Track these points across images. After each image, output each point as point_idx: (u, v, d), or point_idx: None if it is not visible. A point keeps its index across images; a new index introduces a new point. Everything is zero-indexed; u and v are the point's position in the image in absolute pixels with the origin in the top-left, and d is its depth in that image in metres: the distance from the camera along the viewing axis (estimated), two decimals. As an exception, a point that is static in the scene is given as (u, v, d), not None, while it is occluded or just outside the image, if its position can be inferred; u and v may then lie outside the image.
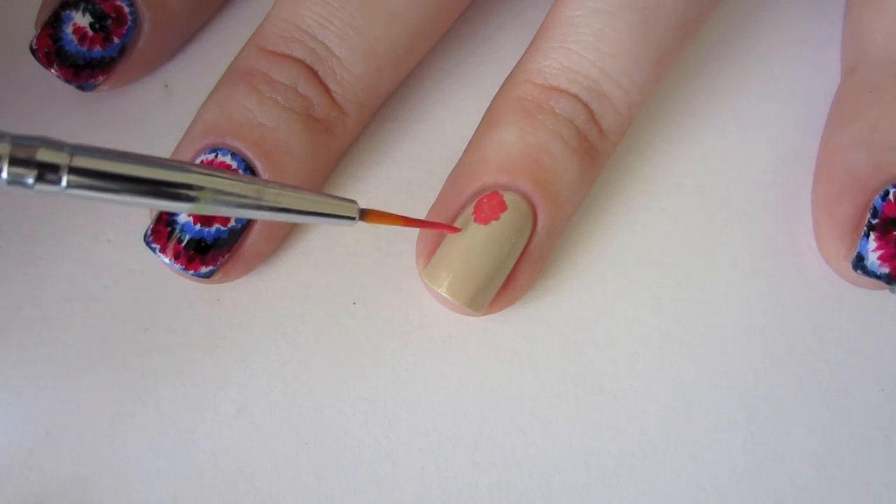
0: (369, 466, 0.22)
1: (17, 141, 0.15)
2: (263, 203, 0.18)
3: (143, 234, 0.22)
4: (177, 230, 0.22)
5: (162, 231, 0.22)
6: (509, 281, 0.22)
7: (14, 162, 0.15)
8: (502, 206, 0.22)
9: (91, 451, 0.22)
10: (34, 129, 0.26)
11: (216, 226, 0.22)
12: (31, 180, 0.16)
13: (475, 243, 0.21)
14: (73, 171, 0.16)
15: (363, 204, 0.25)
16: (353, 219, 0.19)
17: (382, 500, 0.22)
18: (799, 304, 0.24)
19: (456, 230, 0.22)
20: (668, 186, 0.25)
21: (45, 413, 0.23)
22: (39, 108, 0.26)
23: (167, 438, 0.23)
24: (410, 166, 0.25)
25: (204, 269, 0.22)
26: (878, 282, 0.22)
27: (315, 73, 0.23)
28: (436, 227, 0.22)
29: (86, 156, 0.16)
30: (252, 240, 0.23)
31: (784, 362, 0.23)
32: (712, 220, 0.25)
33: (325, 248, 0.25)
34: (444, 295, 0.21)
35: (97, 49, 0.24)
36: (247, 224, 0.22)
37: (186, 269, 0.22)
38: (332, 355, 0.23)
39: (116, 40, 0.24)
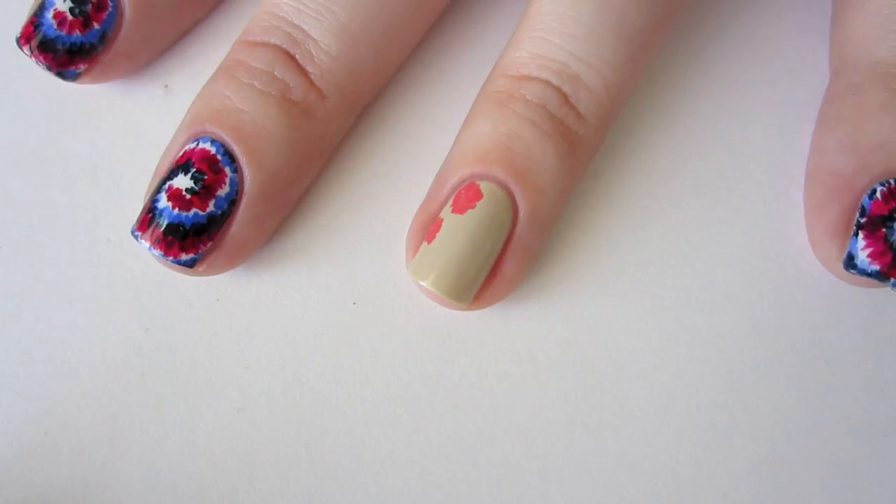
0: (369, 466, 0.22)
1: None
2: None
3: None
4: (156, 215, 0.22)
5: (145, 218, 0.22)
6: (496, 272, 0.22)
7: None
8: (478, 195, 0.22)
9: (91, 451, 0.23)
10: (34, 130, 0.26)
11: (194, 210, 0.22)
12: None
13: (453, 233, 0.21)
14: None
15: (361, 202, 0.25)
16: None
17: (382, 500, 0.22)
18: (799, 304, 0.24)
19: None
20: (668, 186, 0.25)
21: (45, 413, 0.23)
22: (40, 109, 0.26)
23: (167, 438, 0.23)
24: (411, 167, 0.25)
25: (184, 256, 0.22)
26: (873, 280, 0.22)
27: (292, 57, 0.23)
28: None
29: None
30: (236, 228, 0.22)
31: (784, 362, 0.23)
32: (712, 220, 0.25)
33: (325, 248, 0.25)
34: (428, 287, 0.22)
35: (76, 34, 0.24)
36: (228, 211, 0.22)
37: (166, 255, 0.22)
38: (332, 355, 0.23)
39: (97, 26, 0.24)
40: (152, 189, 0.22)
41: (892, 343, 0.24)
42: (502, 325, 0.24)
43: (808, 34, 0.27)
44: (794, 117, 0.26)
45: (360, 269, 0.24)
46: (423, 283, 0.22)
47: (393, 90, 0.27)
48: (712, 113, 0.26)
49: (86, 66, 0.24)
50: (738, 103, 0.26)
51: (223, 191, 0.22)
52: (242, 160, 0.22)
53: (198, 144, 0.22)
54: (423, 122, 0.26)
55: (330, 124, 0.24)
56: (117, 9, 0.24)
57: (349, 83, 0.24)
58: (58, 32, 0.24)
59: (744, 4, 0.28)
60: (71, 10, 0.24)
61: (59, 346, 0.23)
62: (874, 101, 0.23)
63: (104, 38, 0.24)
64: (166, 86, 0.27)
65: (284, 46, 0.23)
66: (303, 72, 0.23)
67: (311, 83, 0.23)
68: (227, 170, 0.22)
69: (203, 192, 0.22)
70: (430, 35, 0.27)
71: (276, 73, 0.23)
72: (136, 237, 0.22)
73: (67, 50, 0.24)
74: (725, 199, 0.25)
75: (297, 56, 0.23)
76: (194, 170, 0.22)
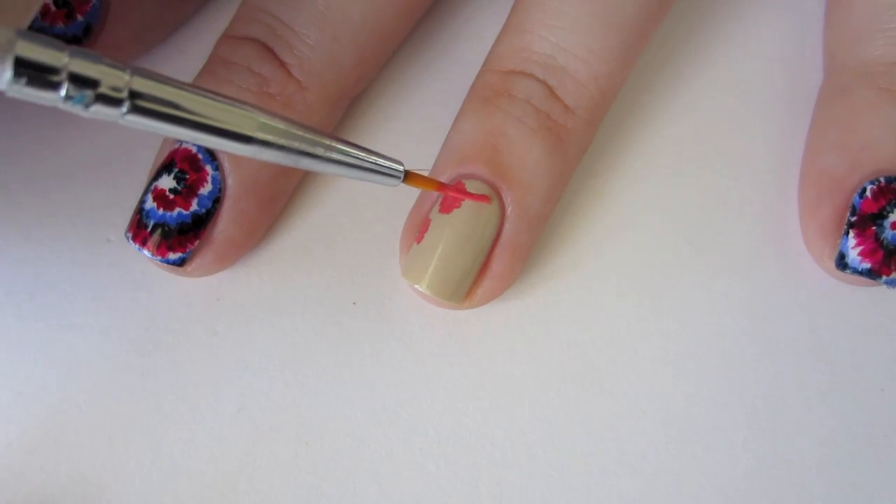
0: (369, 466, 0.22)
1: (77, 54, 0.15)
2: (315, 152, 0.18)
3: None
4: (144, 217, 0.22)
5: (134, 220, 0.22)
6: (486, 270, 0.22)
7: (75, 79, 0.15)
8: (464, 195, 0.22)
9: (91, 451, 0.22)
10: (34, 130, 0.26)
11: (178, 210, 0.22)
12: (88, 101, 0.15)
13: (440, 232, 0.22)
14: (133, 94, 0.15)
15: (360, 202, 0.25)
16: (398, 178, 0.19)
17: (382, 500, 0.22)
18: (799, 304, 0.24)
19: (487, 201, 0.22)
20: (669, 186, 0.25)
21: (45, 413, 0.23)
22: (39, 108, 0.26)
23: (167, 438, 0.23)
24: (412, 166, 0.25)
25: (172, 256, 0.22)
26: (867, 278, 0.22)
27: (270, 50, 0.23)
28: (468, 197, 0.22)
29: (145, 78, 0.15)
30: (222, 227, 0.23)
31: (784, 362, 0.23)
32: (712, 220, 0.25)
33: (325, 248, 0.25)
34: (416, 287, 0.22)
35: (59, 26, 0.24)
36: (212, 209, 0.22)
37: (154, 255, 0.22)
38: (332, 355, 0.23)
39: (80, 18, 0.24)
40: (143, 191, 0.23)
41: (892, 343, 0.24)
42: (502, 325, 0.24)
43: (808, 34, 0.27)
44: (794, 117, 0.26)
45: (360, 269, 0.24)
46: (413, 285, 0.22)
47: (392, 88, 0.27)
48: (712, 113, 0.26)
49: None
50: (738, 103, 0.26)
51: (206, 189, 0.22)
52: (222, 157, 0.22)
53: (181, 144, 0.22)
54: (421, 120, 0.26)
55: (312, 116, 0.23)
56: (102, 1, 0.24)
57: (330, 73, 0.23)
58: (41, 24, 0.24)
59: (743, 4, 0.28)
60: (54, 1, 0.24)
61: (59, 346, 0.23)
62: (862, 101, 0.23)
63: (89, 31, 0.24)
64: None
65: (262, 39, 0.23)
66: (280, 64, 0.23)
67: (289, 74, 0.23)
68: (209, 168, 0.22)
69: (185, 191, 0.22)
70: (427, 31, 0.27)
71: (252, 67, 0.23)
72: (127, 238, 0.22)
73: None
74: (725, 199, 0.25)
75: (275, 48, 0.23)
76: (177, 170, 0.22)
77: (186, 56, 0.27)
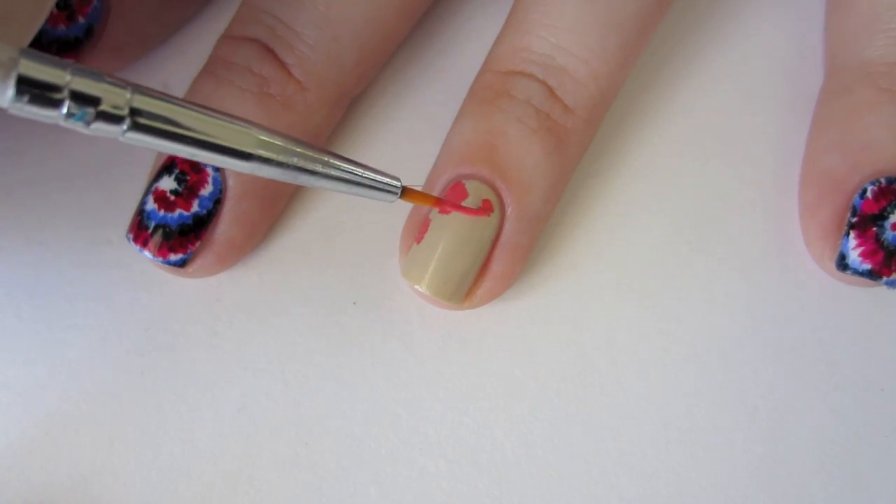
0: (369, 466, 0.22)
1: (78, 72, 0.15)
2: (313, 169, 0.18)
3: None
4: (144, 218, 0.22)
5: (135, 221, 0.22)
6: (485, 270, 0.22)
7: (76, 97, 0.15)
8: (463, 195, 0.22)
9: (91, 451, 0.23)
10: (34, 130, 0.26)
11: (178, 211, 0.22)
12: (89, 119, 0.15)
13: (439, 233, 0.22)
14: (134, 112, 0.15)
15: (360, 202, 0.25)
16: (395, 194, 0.19)
17: (382, 500, 0.22)
18: (799, 304, 0.24)
19: (485, 214, 0.22)
20: (669, 186, 0.25)
21: (45, 413, 0.23)
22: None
23: (167, 438, 0.23)
24: (411, 166, 0.25)
25: (174, 257, 0.22)
26: (867, 279, 0.22)
27: (270, 50, 0.23)
28: (465, 212, 0.22)
29: (146, 96, 0.16)
30: (223, 228, 0.23)
31: (784, 362, 0.23)
32: (712, 220, 0.25)
33: (325, 248, 0.25)
34: (416, 287, 0.22)
35: (60, 28, 0.23)
36: (213, 210, 0.22)
37: (156, 256, 0.22)
38: (332, 355, 0.23)
39: (81, 20, 0.24)
40: (143, 192, 0.23)
41: (891, 343, 0.24)
42: (502, 325, 0.24)
43: (808, 34, 0.27)
44: (794, 117, 0.26)
45: (360, 269, 0.24)
46: (413, 286, 0.22)
47: (392, 88, 0.27)
48: (712, 112, 0.26)
49: (72, 60, 0.24)
50: (738, 103, 0.26)
51: (206, 190, 0.22)
52: None
53: None
54: (421, 120, 0.26)
55: (312, 116, 0.23)
56: (103, 2, 0.24)
57: (330, 73, 0.23)
58: (42, 26, 0.23)
59: (743, 4, 0.28)
60: (56, 4, 0.24)
61: (59, 346, 0.23)
62: (862, 101, 0.23)
63: (90, 33, 0.24)
64: (165, 84, 0.27)
65: (263, 39, 0.23)
66: (281, 64, 0.23)
67: (290, 74, 0.23)
68: (209, 169, 0.22)
69: (186, 192, 0.22)
70: (427, 31, 0.27)
71: (252, 68, 0.23)
72: (128, 239, 0.22)
73: (53, 43, 0.24)
74: (725, 199, 0.25)
75: (276, 49, 0.23)
76: (177, 171, 0.22)
77: (186, 56, 0.27)
